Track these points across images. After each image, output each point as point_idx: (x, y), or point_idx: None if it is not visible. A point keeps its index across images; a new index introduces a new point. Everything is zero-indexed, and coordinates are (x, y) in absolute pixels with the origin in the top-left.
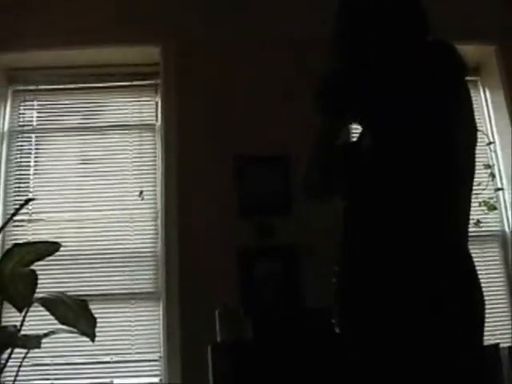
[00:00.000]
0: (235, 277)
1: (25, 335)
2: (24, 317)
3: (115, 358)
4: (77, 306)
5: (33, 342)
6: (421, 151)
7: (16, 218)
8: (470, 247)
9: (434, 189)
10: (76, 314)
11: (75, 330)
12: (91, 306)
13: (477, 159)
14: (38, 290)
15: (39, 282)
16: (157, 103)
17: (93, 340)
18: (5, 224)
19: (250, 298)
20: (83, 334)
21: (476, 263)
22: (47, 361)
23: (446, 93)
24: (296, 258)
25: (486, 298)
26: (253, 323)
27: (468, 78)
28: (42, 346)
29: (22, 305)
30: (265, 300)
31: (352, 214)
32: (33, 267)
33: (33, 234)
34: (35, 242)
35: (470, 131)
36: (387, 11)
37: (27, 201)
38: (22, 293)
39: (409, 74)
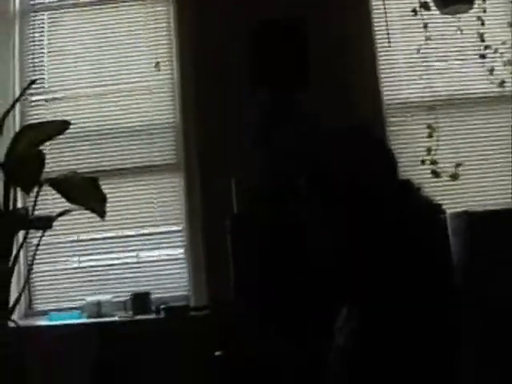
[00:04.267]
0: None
1: (36, 216)
2: (36, 199)
3: (139, 232)
4: (86, 184)
5: (44, 222)
6: None
7: (33, 98)
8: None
9: None
10: (85, 192)
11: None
12: (113, 181)
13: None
14: (59, 169)
15: (62, 160)
16: None
17: (102, 217)
18: (12, 106)
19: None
20: (93, 211)
21: (499, 124)
22: (72, 237)
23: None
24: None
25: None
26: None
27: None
28: (66, 222)
29: (29, 186)
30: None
31: None
32: (59, 145)
33: (51, 113)
34: (44, 122)
35: None
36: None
37: (32, 82)
38: (29, 175)
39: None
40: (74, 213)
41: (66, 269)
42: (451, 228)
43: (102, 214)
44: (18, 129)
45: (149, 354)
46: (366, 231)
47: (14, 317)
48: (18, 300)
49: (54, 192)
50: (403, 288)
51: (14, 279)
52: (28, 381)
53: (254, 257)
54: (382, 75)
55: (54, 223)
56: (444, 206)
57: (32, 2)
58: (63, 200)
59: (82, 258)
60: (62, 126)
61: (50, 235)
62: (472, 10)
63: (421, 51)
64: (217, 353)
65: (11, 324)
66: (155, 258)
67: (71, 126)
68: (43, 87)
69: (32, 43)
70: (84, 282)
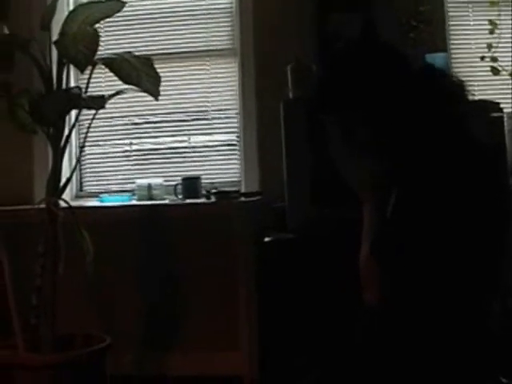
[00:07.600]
0: (310, 33)
1: (89, 96)
2: (89, 79)
3: (192, 116)
4: (140, 64)
5: (97, 102)
6: None
7: None
8: None
9: None
10: (140, 72)
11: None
12: (168, 65)
13: None
14: (114, 52)
15: (117, 42)
16: None
17: (156, 98)
18: None
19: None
20: (147, 92)
21: None
22: (125, 120)
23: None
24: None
25: None
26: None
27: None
28: (121, 105)
29: (83, 64)
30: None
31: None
32: (115, 26)
33: None
34: (99, 1)
35: None
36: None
37: None
38: (83, 53)
39: None
40: (128, 96)
41: (118, 151)
42: (508, 127)
43: (155, 94)
44: (71, 7)
45: (197, 237)
46: (418, 120)
47: (66, 197)
48: (68, 180)
49: (108, 74)
50: (452, 184)
51: (65, 160)
52: (78, 261)
53: (306, 143)
54: None
55: (109, 106)
56: (502, 105)
57: None
58: (118, 83)
59: (135, 141)
60: (117, 6)
61: (104, 118)
62: None
63: None
64: (266, 238)
65: (62, 204)
66: (207, 143)
67: (127, 8)
68: None
69: None
70: (135, 165)
